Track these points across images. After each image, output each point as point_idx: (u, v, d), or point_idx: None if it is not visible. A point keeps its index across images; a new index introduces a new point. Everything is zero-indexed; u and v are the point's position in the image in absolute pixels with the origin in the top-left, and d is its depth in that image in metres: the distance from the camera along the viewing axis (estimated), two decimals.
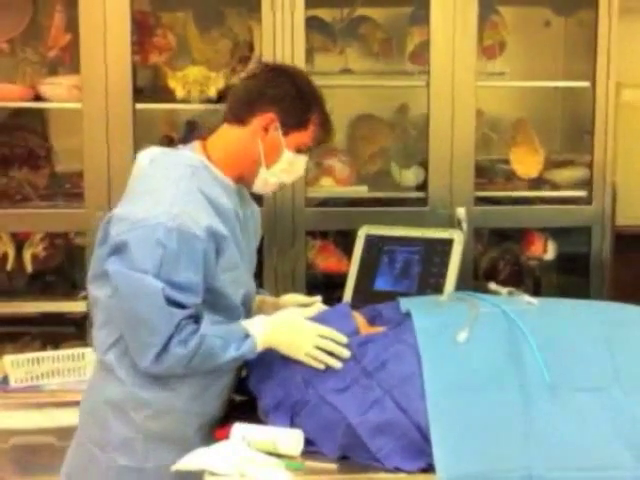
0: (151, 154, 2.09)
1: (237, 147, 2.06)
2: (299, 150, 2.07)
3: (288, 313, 2.09)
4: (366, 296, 2.59)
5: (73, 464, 2.13)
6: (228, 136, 2.08)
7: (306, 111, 2.04)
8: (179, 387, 2.02)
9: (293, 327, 2.03)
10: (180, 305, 1.90)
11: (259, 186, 2.10)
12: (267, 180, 2.08)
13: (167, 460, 1.98)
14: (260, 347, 1.99)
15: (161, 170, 2.03)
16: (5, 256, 3.11)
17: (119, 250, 1.91)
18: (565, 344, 2.01)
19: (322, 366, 1.99)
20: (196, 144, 2.10)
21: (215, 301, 2.00)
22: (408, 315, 2.09)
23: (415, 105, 3.31)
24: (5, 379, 2.74)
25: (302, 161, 2.10)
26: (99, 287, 2.01)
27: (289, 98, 2.03)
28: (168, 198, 1.93)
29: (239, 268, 2.04)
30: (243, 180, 2.09)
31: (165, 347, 1.90)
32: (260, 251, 2.94)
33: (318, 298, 2.24)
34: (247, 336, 1.98)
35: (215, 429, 2.05)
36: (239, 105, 2.07)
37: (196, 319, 1.95)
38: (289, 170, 2.09)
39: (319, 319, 2.10)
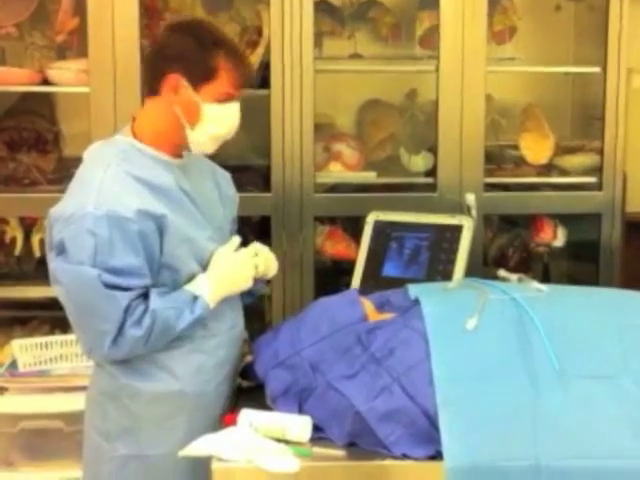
0: (90, 149, 2.08)
1: (158, 118, 2.03)
2: (222, 100, 2.00)
3: (216, 257, 2.07)
4: (374, 282, 2.58)
5: (85, 456, 2.15)
6: (149, 110, 2.06)
7: (210, 59, 1.97)
8: (173, 367, 2.03)
9: (229, 265, 2.07)
10: (123, 289, 1.90)
11: (196, 148, 2.05)
12: (199, 140, 2.03)
13: (169, 447, 2.00)
14: (212, 303, 2.02)
15: (89, 162, 2.03)
16: (13, 241, 3.11)
17: (60, 250, 1.92)
18: (574, 332, 2.01)
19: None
20: (127, 127, 2.07)
21: (176, 279, 2.01)
22: (417, 302, 2.08)
23: (424, 90, 3.29)
24: (13, 363, 2.74)
25: (232, 110, 2.03)
26: (58, 290, 1.99)
27: (188, 51, 1.97)
28: (95, 187, 1.92)
29: (195, 240, 2.03)
30: (178, 149, 2.06)
31: (120, 331, 1.91)
32: (268, 236, 2.95)
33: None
34: (196, 297, 1.99)
35: (223, 415, 2.05)
36: (147, 75, 2.05)
37: (145, 298, 1.95)
38: (218, 123, 2.02)
39: (327, 306, 2.10)
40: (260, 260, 2.15)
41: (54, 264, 1.94)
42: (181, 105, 1.99)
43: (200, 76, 1.97)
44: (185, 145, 2.05)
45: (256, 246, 2.17)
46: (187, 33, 1.99)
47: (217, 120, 2.01)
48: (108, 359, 2.00)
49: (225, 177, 2.27)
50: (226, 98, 2.01)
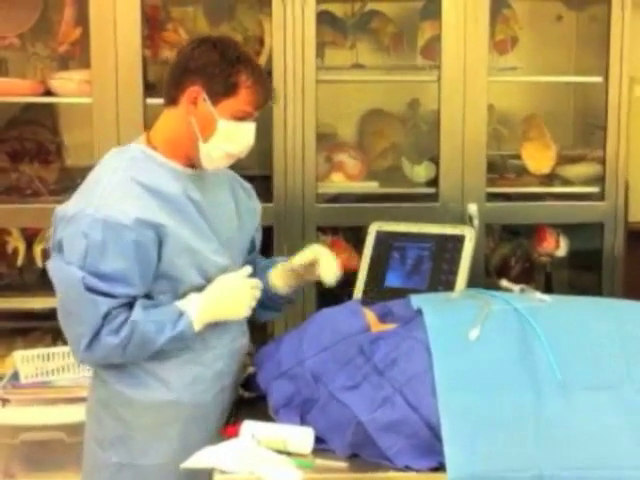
0: (106, 155, 2.08)
1: (174, 128, 2.03)
2: (238, 117, 2.00)
3: (217, 280, 2.05)
4: (377, 293, 2.58)
5: (84, 463, 2.15)
6: (165, 120, 2.05)
7: (232, 75, 1.96)
8: (165, 377, 2.02)
9: (226, 291, 2.04)
10: (106, 295, 1.90)
11: (206, 162, 2.03)
12: (210, 154, 2.01)
13: (162, 456, 2.01)
14: (199, 324, 1.99)
15: (99, 167, 2.04)
16: (15, 251, 3.11)
17: (58, 248, 1.94)
18: (577, 342, 2.00)
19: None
20: (142, 135, 2.09)
21: (176, 288, 2.00)
22: (419, 312, 2.08)
23: (426, 100, 3.30)
24: (15, 375, 2.74)
25: (247, 129, 2.02)
26: None
27: (212, 66, 1.97)
28: (98, 191, 1.94)
29: (198, 251, 2.01)
30: (192, 161, 2.05)
31: (96, 336, 1.91)
32: (270, 247, 2.94)
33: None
34: (181, 314, 1.97)
35: (221, 427, 2.05)
36: (168, 85, 2.04)
37: (130, 307, 1.94)
38: (232, 139, 2.01)
39: (329, 317, 2.10)
40: (258, 292, 2.10)
41: (51, 262, 1.97)
42: (197, 117, 1.99)
43: (220, 91, 1.97)
44: (197, 160, 2.03)
45: (316, 248, 2.22)
46: (212, 48, 1.99)
47: (231, 137, 2.00)
48: (83, 363, 2.04)
49: (246, 189, 2.26)
50: (243, 116, 2.00)
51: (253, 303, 2.08)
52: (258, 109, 2.03)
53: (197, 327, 1.99)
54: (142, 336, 1.93)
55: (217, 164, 2.06)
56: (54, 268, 1.95)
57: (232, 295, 2.05)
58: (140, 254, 1.92)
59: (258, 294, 2.09)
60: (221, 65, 1.97)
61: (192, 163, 2.06)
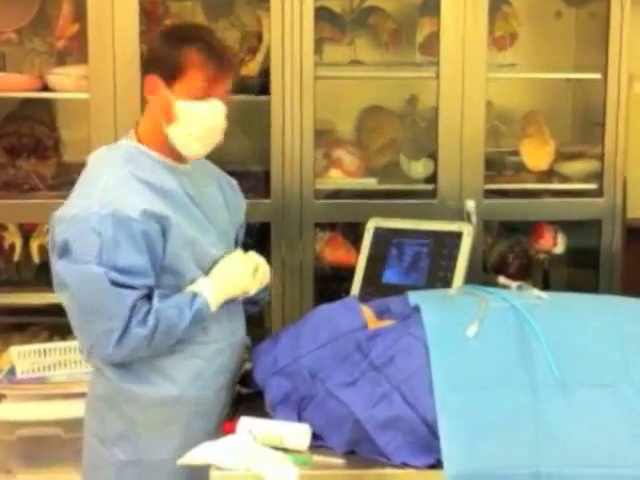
0: (95, 153, 2.09)
1: (148, 122, 2.06)
2: (197, 97, 1.98)
3: (221, 262, 2.08)
4: (374, 289, 2.58)
5: (85, 461, 2.15)
6: (145, 115, 2.09)
7: (177, 55, 1.97)
8: (171, 372, 2.03)
9: (230, 269, 2.07)
10: (129, 287, 1.91)
11: (183, 149, 2.03)
12: (179, 141, 2.01)
13: (166, 453, 2.00)
14: (214, 303, 2.01)
15: (94, 166, 2.04)
16: (12, 247, 3.11)
17: (63, 250, 1.92)
18: (575, 340, 2.00)
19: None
20: (131, 132, 2.09)
21: (179, 282, 2.01)
22: (417, 309, 2.07)
23: (425, 97, 3.29)
24: (12, 370, 2.74)
25: (208, 107, 1.99)
26: (61, 293, 2.00)
27: (158, 50, 2.02)
28: (100, 188, 1.94)
29: (198, 243, 2.03)
30: (175, 152, 2.04)
31: (125, 330, 1.91)
32: (268, 243, 2.94)
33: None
34: (195, 295, 1.99)
35: (222, 423, 2.05)
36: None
37: (149, 298, 1.95)
38: (194, 120, 1.99)
39: (326, 313, 2.09)
40: (261, 268, 2.15)
41: (58, 266, 1.95)
42: (159, 105, 2.01)
43: (169, 74, 1.98)
44: (175, 150, 2.04)
45: (254, 256, 2.18)
46: (160, 34, 2.06)
47: (193, 118, 1.99)
48: (110, 360, 1.99)
49: (231, 184, 2.28)
50: (203, 94, 1.99)
51: (253, 278, 2.12)
52: (219, 83, 2.00)
53: (213, 307, 2.01)
54: (167, 322, 1.94)
55: (192, 150, 2.04)
56: (66, 270, 1.92)
57: (237, 271, 2.08)
58: (148, 245, 1.93)
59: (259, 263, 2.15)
60: (165, 48, 2.00)
61: (178, 156, 2.06)
